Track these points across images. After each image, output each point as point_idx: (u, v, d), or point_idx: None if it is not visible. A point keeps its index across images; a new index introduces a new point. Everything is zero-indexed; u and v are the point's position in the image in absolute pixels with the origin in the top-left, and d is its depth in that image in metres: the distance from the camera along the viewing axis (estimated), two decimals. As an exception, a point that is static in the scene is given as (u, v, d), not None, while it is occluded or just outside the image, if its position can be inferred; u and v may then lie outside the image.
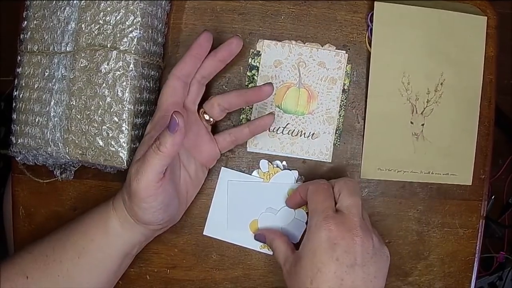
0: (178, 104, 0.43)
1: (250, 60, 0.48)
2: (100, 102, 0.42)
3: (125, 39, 0.41)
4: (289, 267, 0.41)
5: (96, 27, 0.42)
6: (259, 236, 0.47)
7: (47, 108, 0.43)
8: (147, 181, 0.37)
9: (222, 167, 0.48)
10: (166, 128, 0.36)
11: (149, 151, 0.37)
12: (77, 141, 0.42)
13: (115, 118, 0.42)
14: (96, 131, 0.42)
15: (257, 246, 0.49)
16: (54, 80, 0.43)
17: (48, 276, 0.41)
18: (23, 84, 0.44)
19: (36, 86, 0.44)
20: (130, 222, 0.42)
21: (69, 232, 0.43)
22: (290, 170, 0.48)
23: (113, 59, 0.41)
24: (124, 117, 0.42)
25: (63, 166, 0.46)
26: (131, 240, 0.43)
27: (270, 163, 0.48)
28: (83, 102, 0.42)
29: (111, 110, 0.42)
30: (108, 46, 0.41)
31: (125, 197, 0.40)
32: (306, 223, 0.47)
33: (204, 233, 0.49)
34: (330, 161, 0.49)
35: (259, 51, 0.48)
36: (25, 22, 0.44)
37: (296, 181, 0.48)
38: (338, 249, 0.38)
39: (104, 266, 0.43)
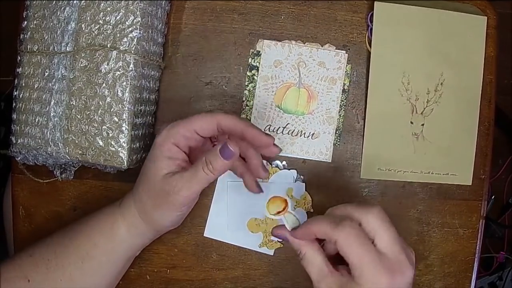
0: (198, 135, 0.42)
1: (250, 60, 0.48)
2: (100, 102, 0.42)
3: (125, 39, 0.41)
4: None
5: (96, 27, 0.42)
6: (280, 236, 0.40)
7: (47, 108, 0.43)
8: (190, 195, 0.39)
9: None
10: (218, 152, 0.38)
11: (200, 171, 0.39)
12: (77, 141, 0.42)
13: (115, 118, 0.42)
14: (96, 131, 0.42)
15: (256, 246, 0.49)
16: (54, 80, 0.43)
17: (49, 280, 0.41)
18: (23, 84, 0.44)
19: (36, 86, 0.44)
20: (138, 228, 0.42)
21: (72, 235, 0.42)
22: (289, 169, 0.48)
23: (113, 59, 0.41)
24: (124, 117, 0.42)
25: (63, 166, 0.46)
26: (136, 244, 0.44)
27: (268, 163, 0.48)
28: (83, 102, 0.42)
29: (111, 110, 0.42)
30: (108, 46, 0.41)
31: (145, 204, 0.40)
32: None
33: (204, 235, 0.49)
34: (330, 161, 0.49)
35: (259, 51, 0.48)
36: (25, 22, 0.44)
37: (295, 181, 0.48)
38: None
39: (107, 270, 0.43)
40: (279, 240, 0.49)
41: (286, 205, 0.39)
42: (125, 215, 0.42)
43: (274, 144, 0.41)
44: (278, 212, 0.39)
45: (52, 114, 0.43)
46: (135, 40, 0.42)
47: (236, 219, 0.48)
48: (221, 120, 0.39)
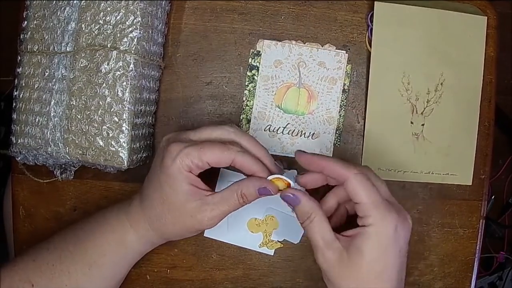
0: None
1: (250, 60, 0.48)
2: (100, 102, 0.42)
3: (125, 39, 0.41)
4: (337, 256, 0.38)
5: (96, 27, 0.42)
6: (290, 198, 0.40)
7: (47, 108, 0.43)
8: (220, 220, 0.41)
9: (221, 168, 0.48)
10: (256, 188, 0.39)
11: (235, 202, 0.40)
12: (77, 141, 0.42)
13: (115, 118, 0.42)
14: (96, 131, 0.42)
15: (256, 246, 0.49)
16: (54, 80, 0.43)
17: (54, 285, 0.41)
18: (23, 84, 0.44)
19: (36, 86, 0.44)
20: (150, 239, 0.43)
21: (76, 242, 0.42)
22: (289, 169, 0.48)
23: (113, 59, 0.41)
24: (124, 117, 0.42)
25: (63, 166, 0.46)
26: (145, 250, 0.45)
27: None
28: (83, 102, 0.42)
29: (111, 110, 0.42)
30: (108, 46, 0.41)
31: (166, 224, 0.40)
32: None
33: (205, 235, 0.49)
34: (330, 161, 0.49)
35: (259, 51, 0.48)
36: (25, 22, 0.44)
37: (295, 180, 0.48)
38: (401, 240, 0.38)
39: (114, 275, 0.44)
40: (279, 240, 0.49)
41: (288, 184, 0.41)
42: (136, 229, 0.42)
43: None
44: (280, 191, 0.40)
45: (52, 114, 0.43)
46: (135, 40, 0.42)
47: (236, 219, 0.48)
48: (237, 160, 0.39)
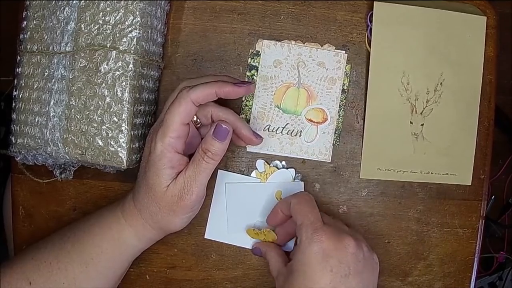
0: (187, 123, 0.41)
1: (249, 60, 0.48)
2: (100, 102, 0.42)
3: (125, 39, 0.41)
4: (282, 282, 0.41)
5: (96, 27, 0.42)
6: (256, 250, 0.47)
7: (47, 108, 0.43)
8: (200, 191, 0.40)
9: (219, 170, 0.48)
10: (212, 137, 0.39)
11: (201, 163, 0.40)
12: (76, 141, 0.42)
13: (115, 118, 0.42)
14: (96, 131, 0.42)
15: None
16: (53, 80, 0.43)
17: (52, 283, 0.41)
18: (23, 84, 0.44)
19: (35, 86, 0.44)
20: (147, 234, 0.43)
21: (74, 241, 0.42)
22: (287, 168, 0.48)
23: (112, 59, 0.41)
24: (124, 117, 0.42)
25: (62, 166, 0.46)
26: (143, 247, 0.45)
27: (266, 163, 0.48)
28: (83, 102, 0.42)
29: (111, 110, 0.42)
30: (108, 46, 0.41)
31: (156, 214, 0.41)
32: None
33: (205, 237, 0.48)
34: (330, 161, 0.49)
35: (259, 51, 0.48)
36: (25, 22, 0.44)
37: (294, 179, 0.48)
38: (331, 260, 0.38)
39: (113, 273, 0.44)
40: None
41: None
42: (132, 225, 0.42)
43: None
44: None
45: (51, 114, 0.43)
46: (135, 40, 0.42)
47: (236, 220, 0.48)
48: (193, 98, 0.39)
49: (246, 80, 0.48)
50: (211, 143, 0.40)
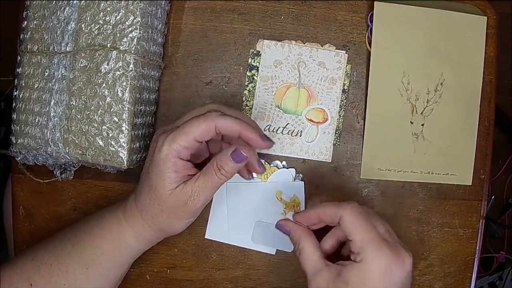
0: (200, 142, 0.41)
1: (250, 60, 0.48)
2: (100, 102, 0.42)
3: (125, 39, 0.41)
4: (325, 284, 0.38)
5: (96, 27, 0.42)
6: (282, 227, 0.43)
7: (47, 108, 0.43)
8: (205, 201, 0.41)
9: None
10: (230, 158, 0.39)
11: (212, 177, 0.40)
12: (77, 141, 0.42)
13: (115, 118, 0.42)
14: (96, 131, 0.42)
15: (257, 247, 0.49)
16: (54, 80, 0.43)
17: (53, 284, 0.41)
18: (23, 84, 0.44)
19: (36, 86, 0.44)
20: (147, 236, 0.42)
21: (74, 242, 0.42)
22: (287, 168, 0.48)
23: (113, 59, 0.41)
24: (124, 117, 0.42)
25: (63, 166, 0.46)
26: (143, 249, 0.45)
27: (266, 163, 0.48)
28: (83, 102, 0.42)
29: (111, 110, 0.42)
30: (108, 46, 0.41)
31: (157, 216, 0.41)
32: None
33: (206, 237, 0.48)
34: (330, 161, 0.49)
35: (259, 51, 0.48)
36: (25, 22, 0.44)
37: (294, 179, 0.48)
38: (394, 279, 0.37)
39: (113, 274, 0.43)
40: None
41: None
42: (133, 226, 0.42)
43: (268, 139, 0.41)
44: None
45: (52, 114, 0.43)
46: (135, 40, 0.42)
47: (237, 220, 0.48)
48: (219, 124, 0.39)
49: (246, 80, 0.48)
50: (227, 163, 0.39)
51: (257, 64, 0.48)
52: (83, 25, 0.42)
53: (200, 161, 0.44)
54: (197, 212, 0.42)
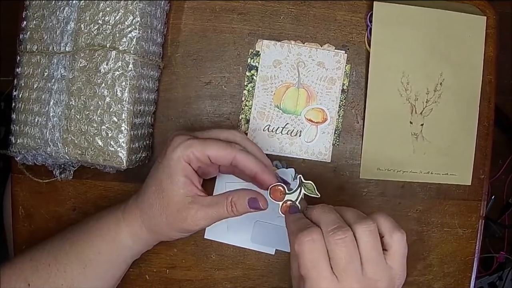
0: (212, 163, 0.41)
1: (249, 60, 0.48)
2: (99, 102, 0.42)
3: (124, 39, 0.41)
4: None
5: (95, 27, 0.42)
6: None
7: (47, 108, 0.43)
8: (203, 227, 0.41)
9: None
10: (246, 201, 0.39)
11: (222, 209, 0.39)
12: (76, 141, 0.42)
13: (114, 118, 0.42)
14: (96, 131, 0.42)
15: (256, 247, 0.49)
16: (53, 80, 0.43)
17: (50, 285, 0.41)
18: (23, 84, 0.44)
19: (35, 86, 0.44)
20: (144, 238, 0.42)
21: (72, 242, 0.42)
22: (287, 168, 0.48)
23: (112, 59, 0.41)
24: (124, 117, 0.42)
25: (62, 166, 0.46)
26: (141, 250, 0.44)
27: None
28: (82, 102, 0.42)
29: (110, 110, 0.42)
30: (107, 46, 0.41)
31: (158, 219, 0.40)
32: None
33: (205, 237, 0.49)
34: (330, 161, 0.49)
35: (258, 51, 0.48)
36: (25, 22, 0.44)
37: (293, 179, 0.48)
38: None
39: (111, 274, 0.43)
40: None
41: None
42: (130, 225, 0.42)
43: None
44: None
45: (51, 114, 0.43)
46: (134, 40, 0.42)
47: (236, 220, 0.48)
48: (238, 158, 0.39)
49: (246, 80, 0.48)
50: (242, 204, 0.39)
51: (257, 64, 0.48)
52: (82, 25, 0.42)
53: (208, 178, 0.45)
54: (194, 231, 0.42)
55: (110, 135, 0.42)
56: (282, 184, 0.40)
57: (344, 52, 0.49)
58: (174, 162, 0.39)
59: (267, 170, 0.40)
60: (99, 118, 0.42)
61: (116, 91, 0.42)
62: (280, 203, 0.40)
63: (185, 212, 0.39)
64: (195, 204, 0.39)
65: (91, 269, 0.41)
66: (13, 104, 0.45)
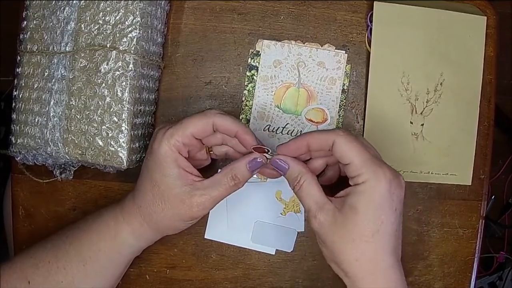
0: (197, 139, 0.41)
1: (249, 60, 0.48)
2: (100, 102, 0.42)
3: (125, 39, 0.42)
4: (330, 217, 0.37)
5: (96, 27, 0.42)
6: (278, 164, 0.40)
7: (47, 108, 0.43)
8: (211, 206, 0.40)
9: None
10: (247, 168, 0.39)
11: (226, 187, 0.40)
12: (76, 141, 0.42)
13: (115, 118, 0.42)
14: (96, 131, 0.42)
15: (256, 247, 0.49)
16: (53, 80, 0.43)
17: (50, 282, 0.41)
18: (23, 84, 0.44)
19: (35, 86, 0.44)
20: (144, 234, 0.42)
21: (72, 240, 0.42)
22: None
23: (112, 59, 0.42)
24: (124, 117, 0.42)
25: (62, 166, 0.46)
26: (141, 247, 0.44)
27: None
28: (83, 102, 0.42)
29: (111, 110, 0.42)
30: (108, 46, 0.41)
31: (158, 214, 0.40)
32: (298, 230, 0.48)
33: (205, 237, 0.48)
34: (330, 161, 0.49)
35: (259, 51, 0.48)
36: (25, 22, 0.44)
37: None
38: (395, 198, 0.36)
39: (111, 272, 0.43)
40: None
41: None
42: (130, 223, 0.42)
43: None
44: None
45: (51, 114, 0.43)
46: (135, 40, 0.42)
47: (236, 220, 0.48)
48: (217, 122, 0.39)
49: (246, 80, 0.48)
50: (243, 172, 0.40)
51: (257, 64, 0.48)
52: (82, 25, 0.42)
53: (200, 167, 0.44)
54: (199, 218, 0.42)
55: (110, 135, 0.42)
56: (265, 146, 0.40)
57: (344, 52, 0.49)
58: (163, 156, 0.39)
59: (248, 131, 0.40)
60: (99, 118, 0.42)
61: (117, 91, 0.42)
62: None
63: (188, 200, 0.39)
64: (197, 190, 0.39)
65: (91, 267, 0.41)
66: (13, 104, 0.45)
